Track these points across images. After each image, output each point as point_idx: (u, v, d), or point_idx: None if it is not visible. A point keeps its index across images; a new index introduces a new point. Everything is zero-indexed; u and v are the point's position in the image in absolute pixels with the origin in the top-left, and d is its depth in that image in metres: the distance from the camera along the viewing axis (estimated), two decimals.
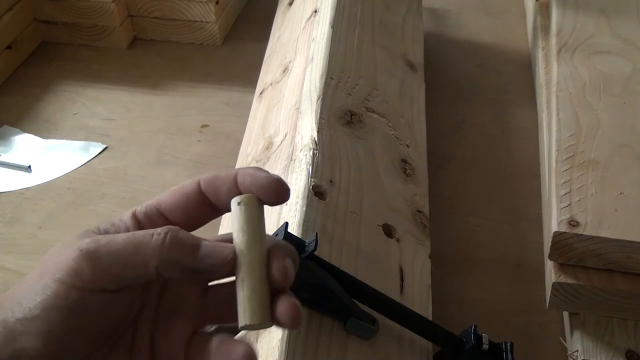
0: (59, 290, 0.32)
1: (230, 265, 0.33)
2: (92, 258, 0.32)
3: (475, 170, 0.81)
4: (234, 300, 0.33)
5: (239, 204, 0.34)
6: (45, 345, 0.32)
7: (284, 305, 0.32)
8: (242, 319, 0.32)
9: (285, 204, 0.48)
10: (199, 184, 0.36)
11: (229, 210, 0.35)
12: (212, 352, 0.34)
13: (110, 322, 0.33)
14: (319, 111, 0.60)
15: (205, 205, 0.36)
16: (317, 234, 0.44)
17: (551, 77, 0.75)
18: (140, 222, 0.35)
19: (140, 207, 0.36)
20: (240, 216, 0.34)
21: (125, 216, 0.36)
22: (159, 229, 0.33)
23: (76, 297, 0.32)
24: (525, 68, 0.97)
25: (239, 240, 0.33)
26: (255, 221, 0.34)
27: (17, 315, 0.32)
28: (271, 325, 0.33)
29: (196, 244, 0.33)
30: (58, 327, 0.32)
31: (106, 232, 0.35)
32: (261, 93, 0.78)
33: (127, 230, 0.35)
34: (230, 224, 0.34)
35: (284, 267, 0.33)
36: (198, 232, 0.36)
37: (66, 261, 0.32)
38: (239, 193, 0.34)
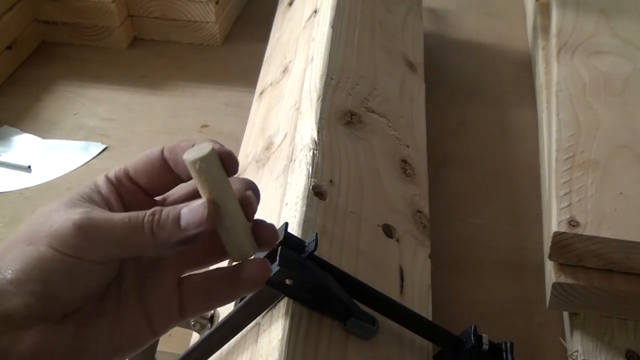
0: (55, 257, 0.33)
1: (211, 222, 0.34)
2: (89, 233, 0.34)
3: (475, 170, 0.81)
4: (209, 244, 0.37)
5: (197, 165, 0.34)
6: (38, 302, 0.33)
7: (265, 231, 0.37)
8: (235, 254, 0.36)
9: (285, 203, 0.50)
10: (162, 151, 0.37)
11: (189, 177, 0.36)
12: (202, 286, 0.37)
13: (100, 281, 0.36)
14: (319, 111, 0.60)
15: (167, 172, 0.37)
16: (317, 234, 0.44)
17: (551, 77, 0.75)
18: (113, 185, 0.37)
19: (112, 172, 0.38)
20: (205, 171, 0.34)
21: (101, 181, 0.37)
22: (148, 213, 0.34)
23: (73, 263, 0.34)
24: (525, 68, 0.97)
25: (213, 193, 0.35)
26: (216, 173, 0.35)
27: (8, 277, 0.33)
28: (257, 251, 0.37)
29: (176, 217, 0.34)
30: (53, 287, 0.34)
31: (90, 199, 0.36)
32: (261, 93, 0.78)
33: (105, 194, 0.37)
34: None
35: (252, 206, 0.36)
36: None
37: (61, 231, 0.34)
38: None
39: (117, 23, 1.02)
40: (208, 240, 0.36)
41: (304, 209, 0.51)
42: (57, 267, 0.33)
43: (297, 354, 0.42)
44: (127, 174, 0.38)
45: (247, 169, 0.67)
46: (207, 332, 0.48)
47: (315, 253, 0.44)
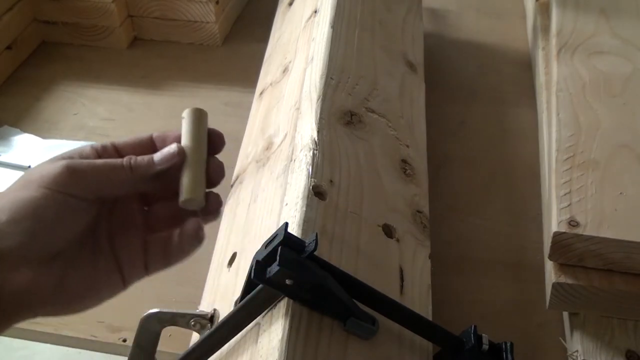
0: (47, 194, 0.38)
1: (180, 156, 0.43)
2: (76, 171, 0.40)
3: (475, 170, 0.81)
4: (170, 214, 0.44)
5: (184, 116, 0.45)
6: (31, 240, 0.37)
7: (214, 198, 0.44)
8: (184, 194, 0.42)
9: (285, 203, 0.50)
10: (152, 135, 0.45)
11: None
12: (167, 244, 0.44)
13: (82, 221, 0.41)
14: (319, 111, 0.60)
15: (152, 151, 0.44)
16: (317, 234, 0.44)
17: (551, 77, 0.75)
18: (97, 152, 0.43)
19: (98, 144, 0.43)
20: (186, 123, 0.44)
21: (86, 148, 0.43)
22: (125, 158, 0.42)
23: (61, 201, 0.39)
24: (525, 68, 0.97)
25: (185, 140, 0.44)
26: (196, 127, 0.45)
27: (3, 219, 0.37)
28: (203, 205, 0.43)
29: (150, 156, 0.43)
30: (44, 225, 0.38)
31: (72, 157, 0.41)
32: (261, 93, 0.78)
33: (88, 157, 0.42)
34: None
35: (219, 164, 0.45)
36: None
37: (52, 172, 0.39)
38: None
39: (117, 23, 1.02)
40: (170, 208, 0.44)
41: (304, 209, 0.51)
42: (48, 204, 0.38)
43: (297, 354, 0.42)
44: (113, 144, 0.43)
45: (247, 169, 0.67)
46: (207, 332, 0.48)
47: (315, 253, 0.44)
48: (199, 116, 0.45)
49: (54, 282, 0.39)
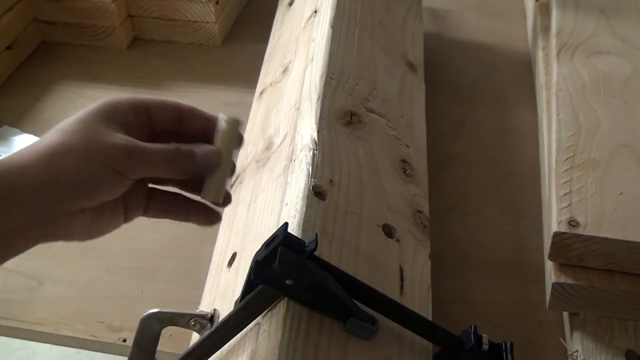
0: (108, 173, 0.42)
1: (218, 164, 0.47)
2: (134, 157, 0.43)
3: (475, 170, 0.81)
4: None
5: (226, 121, 0.48)
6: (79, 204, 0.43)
7: (226, 196, 0.49)
8: (208, 195, 0.47)
9: (285, 203, 0.50)
10: (178, 105, 0.48)
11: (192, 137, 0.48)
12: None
13: (114, 197, 0.45)
14: (319, 111, 0.60)
15: (174, 120, 0.48)
16: (317, 234, 0.44)
17: (551, 77, 0.75)
18: (134, 112, 0.46)
19: (133, 100, 0.46)
20: (226, 132, 0.48)
21: (124, 106, 0.46)
22: (172, 147, 0.45)
23: (118, 179, 0.43)
24: (525, 68, 0.97)
25: (220, 145, 0.48)
26: (232, 137, 0.48)
27: (66, 180, 0.41)
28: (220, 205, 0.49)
29: (192, 152, 0.46)
30: (98, 194, 0.43)
31: (115, 120, 0.45)
32: (261, 93, 0.78)
33: (124, 118, 0.45)
34: (217, 138, 0.48)
35: (234, 165, 0.50)
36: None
37: (112, 153, 0.43)
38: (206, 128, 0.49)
39: (117, 23, 1.02)
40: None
41: (304, 209, 0.51)
42: (107, 180, 0.43)
43: (297, 354, 0.42)
44: (146, 107, 0.47)
45: (247, 169, 0.67)
46: (207, 332, 0.48)
47: (315, 253, 0.44)
48: (237, 127, 0.49)
49: (85, 225, 0.44)
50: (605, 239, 0.55)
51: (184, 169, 0.46)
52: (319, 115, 0.60)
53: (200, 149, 0.46)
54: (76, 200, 0.42)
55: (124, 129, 0.45)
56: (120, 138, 0.43)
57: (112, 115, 0.45)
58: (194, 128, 0.48)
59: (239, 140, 0.49)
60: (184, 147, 0.46)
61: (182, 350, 0.49)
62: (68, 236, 0.44)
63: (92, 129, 0.43)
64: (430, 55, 0.88)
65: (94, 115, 0.44)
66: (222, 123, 0.48)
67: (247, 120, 0.77)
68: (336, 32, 0.70)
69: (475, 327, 0.48)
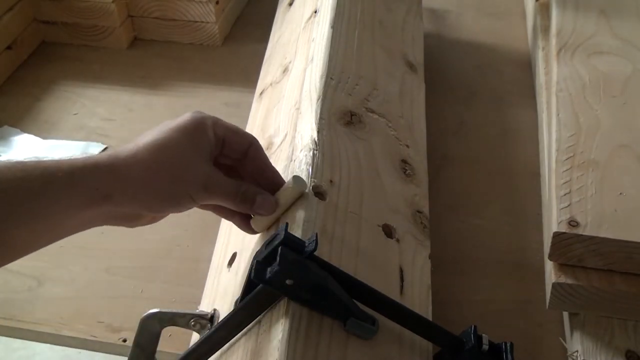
0: (185, 200, 0.49)
1: (272, 213, 0.52)
2: (211, 192, 0.49)
3: (475, 171, 0.81)
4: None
5: (294, 183, 0.51)
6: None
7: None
8: (257, 227, 0.52)
9: None
10: (253, 143, 0.52)
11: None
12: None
13: None
14: (319, 111, 0.60)
15: (242, 157, 0.52)
16: (317, 234, 0.44)
17: (551, 77, 0.75)
18: (217, 142, 0.50)
19: (220, 130, 0.50)
20: (290, 193, 0.51)
21: (213, 138, 0.50)
22: (242, 188, 0.50)
23: (192, 204, 0.49)
24: (525, 68, 0.97)
25: (281, 200, 0.51)
26: (292, 200, 0.52)
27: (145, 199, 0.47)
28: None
29: (254, 199, 0.50)
30: (167, 211, 0.50)
31: (208, 152, 0.49)
32: (261, 93, 0.78)
33: (211, 150, 0.50)
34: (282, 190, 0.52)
35: None
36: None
37: (195, 181, 0.48)
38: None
39: (117, 23, 1.02)
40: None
41: (304, 209, 0.51)
42: (181, 204, 0.48)
43: (297, 354, 0.42)
44: (224, 136, 0.50)
45: None
46: (207, 332, 0.48)
47: (315, 253, 0.44)
48: (303, 190, 0.52)
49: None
50: (605, 239, 0.55)
51: (242, 208, 0.51)
52: (319, 116, 0.60)
53: (263, 197, 0.51)
54: (147, 211, 0.48)
55: (207, 154, 0.49)
56: (204, 170, 0.48)
57: (200, 139, 0.49)
58: (253, 166, 0.52)
59: (299, 197, 0.52)
60: (251, 190, 0.50)
61: (182, 350, 0.49)
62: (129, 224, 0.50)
63: (181, 153, 0.48)
64: (430, 55, 0.88)
65: (187, 135, 0.48)
66: (294, 182, 0.51)
67: (247, 120, 0.77)
68: (336, 32, 0.70)
69: (475, 327, 0.48)
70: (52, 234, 0.45)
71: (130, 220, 0.49)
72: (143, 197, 0.47)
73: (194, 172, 0.48)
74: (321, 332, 0.44)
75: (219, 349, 0.48)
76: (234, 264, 0.57)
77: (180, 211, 0.49)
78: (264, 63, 0.86)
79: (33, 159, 0.44)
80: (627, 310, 0.57)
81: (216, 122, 0.50)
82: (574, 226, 0.55)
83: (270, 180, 0.52)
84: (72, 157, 0.45)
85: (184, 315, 0.53)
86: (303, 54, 0.71)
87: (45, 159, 0.44)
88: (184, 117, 0.50)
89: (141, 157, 0.47)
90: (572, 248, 0.56)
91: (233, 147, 0.51)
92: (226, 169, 0.52)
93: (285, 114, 0.66)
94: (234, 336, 0.47)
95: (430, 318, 0.52)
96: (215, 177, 0.49)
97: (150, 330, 0.53)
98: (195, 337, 0.55)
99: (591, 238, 0.55)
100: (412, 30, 0.85)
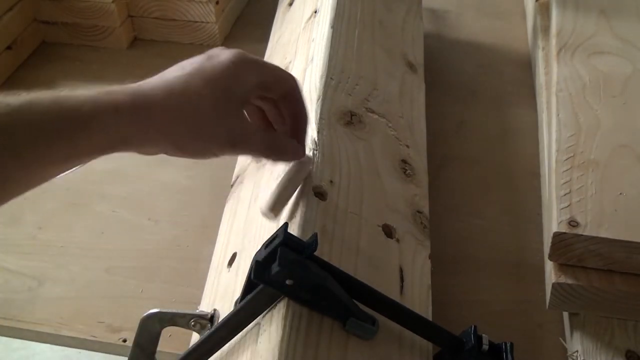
0: (207, 153, 0.48)
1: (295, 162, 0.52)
2: (238, 148, 0.49)
3: (475, 170, 0.81)
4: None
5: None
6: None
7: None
8: (270, 204, 0.50)
9: None
10: (297, 87, 0.51)
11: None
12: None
13: None
14: (318, 111, 0.60)
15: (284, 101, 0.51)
16: (317, 234, 0.44)
17: (551, 77, 0.75)
18: (257, 88, 0.49)
19: (261, 76, 0.49)
20: (298, 169, 0.52)
21: (252, 83, 0.48)
22: (270, 139, 0.50)
23: (211, 157, 0.49)
24: (525, 68, 0.97)
25: (289, 170, 0.52)
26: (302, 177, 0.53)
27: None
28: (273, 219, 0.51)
29: (285, 151, 0.51)
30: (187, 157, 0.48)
31: (242, 99, 0.48)
32: None
33: (250, 95, 0.49)
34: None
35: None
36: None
37: (220, 139, 0.47)
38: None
39: (117, 23, 1.02)
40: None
41: (304, 209, 0.51)
42: (202, 156, 0.48)
43: (297, 354, 0.42)
44: (263, 83, 0.49)
45: (247, 169, 0.67)
46: (207, 332, 0.48)
47: (315, 253, 0.44)
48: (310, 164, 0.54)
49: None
50: (605, 239, 0.55)
51: (272, 159, 0.51)
52: (319, 116, 0.60)
53: (294, 146, 0.51)
54: (169, 155, 0.47)
55: (235, 103, 0.47)
56: (228, 125, 0.46)
57: (229, 89, 0.47)
58: (291, 109, 0.51)
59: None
60: (281, 143, 0.50)
61: (182, 350, 0.49)
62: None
63: (198, 106, 0.46)
64: (430, 55, 0.88)
65: (211, 85, 0.46)
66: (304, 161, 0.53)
67: None
68: (336, 32, 0.70)
69: (475, 327, 0.48)
70: (63, 167, 0.44)
71: (152, 154, 0.48)
72: (164, 145, 0.46)
73: (214, 128, 0.46)
74: (321, 332, 0.44)
75: (219, 349, 0.48)
76: (234, 264, 0.57)
77: (210, 158, 0.48)
78: None
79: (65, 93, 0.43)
80: (627, 310, 0.57)
81: (254, 66, 0.48)
82: (574, 226, 0.55)
83: (302, 126, 0.52)
84: (94, 96, 0.44)
85: (184, 315, 0.53)
86: (303, 54, 0.71)
87: (69, 95, 0.43)
88: (219, 59, 0.48)
89: (160, 99, 0.46)
90: (572, 248, 0.56)
91: (272, 90, 0.50)
92: (271, 104, 0.51)
93: None
94: (234, 336, 0.47)
95: (430, 318, 0.52)
96: (243, 132, 0.47)
97: (150, 330, 0.53)
98: (195, 337, 0.55)
99: (591, 238, 0.55)
100: (412, 30, 0.85)
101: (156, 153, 0.47)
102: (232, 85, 0.47)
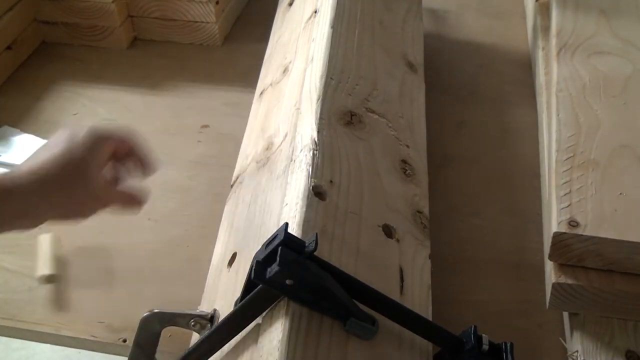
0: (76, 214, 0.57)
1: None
2: (101, 204, 0.57)
3: (476, 171, 0.81)
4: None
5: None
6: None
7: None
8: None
9: (285, 204, 0.50)
10: (134, 147, 0.58)
11: None
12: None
13: None
14: (319, 111, 0.60)
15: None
16: (317, 234, 0.44)
17: (551, 77, 0.75)
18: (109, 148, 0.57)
19: (114, 141, 0.56)
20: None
21: (106, 149, 0.55)
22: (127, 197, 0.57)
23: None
24: (525, 68, 0.97)
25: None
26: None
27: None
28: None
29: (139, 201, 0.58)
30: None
31: (99, 161, 0.55)
32: (261, 93, 0.78)
33: (105, 155, 0.56)
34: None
35: None
36: None
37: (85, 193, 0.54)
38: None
39: (117, 23, 1.02)
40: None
41: (304, 209, 0.51)
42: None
43: (297, 354, 0.42)
44: (115, 146, 0.56)
45: (247, 169, 0.67)
46: (207, 332, 0.49)
47: (315, 253, 0.44)
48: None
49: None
50: (605, 239, 0.55)
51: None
52: (319, 116, 0.60)
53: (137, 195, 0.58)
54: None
55: (99, 162, 0.54)
56: (93, 184, 0.53)
57: (95, 152, 0.53)
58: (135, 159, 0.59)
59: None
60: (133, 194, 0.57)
61: (182, 350, 0.49)
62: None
63: (75, 165, 0.52)
64: (430, 55, 0.88)
65: (80, 149, 0.53)
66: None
67: (247, 120, 0.77)
68: (336, 32, 0.70)
69: (475, 327, 0.48)
70: None
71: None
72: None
73: (89, 184, 0.53)
74: (321, 332, 0.44)
75: (219, 349, 0.48)
76: (234, 264, 0.57)
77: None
78: (264, 63, 0.86)
79: None
80: (627, 310, 0.57)
81: (112, 136, 0.55)
82: (574, 226, 0.55)
83: (145, 163, 0.59)
84: None
85: (184, 315, 0.53)
86: (303, 54, 0.71)
87: None
88: (57, 146, 0.54)
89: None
90: (572, 248, 0.56)
91: (120, 151, 0.56)
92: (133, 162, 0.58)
93: (285, 114, 0.66)
94: (234, 336, 0.47)
95: (430, 318, 0.52)
96: (106, 193, 0.55)
97: (150, 330, 0.53)
98: (195, 337, 0.55)
99: (591, 238, 0.55)
100: (412, 30, 0.85)
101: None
102: (92, 144, 0.54)
